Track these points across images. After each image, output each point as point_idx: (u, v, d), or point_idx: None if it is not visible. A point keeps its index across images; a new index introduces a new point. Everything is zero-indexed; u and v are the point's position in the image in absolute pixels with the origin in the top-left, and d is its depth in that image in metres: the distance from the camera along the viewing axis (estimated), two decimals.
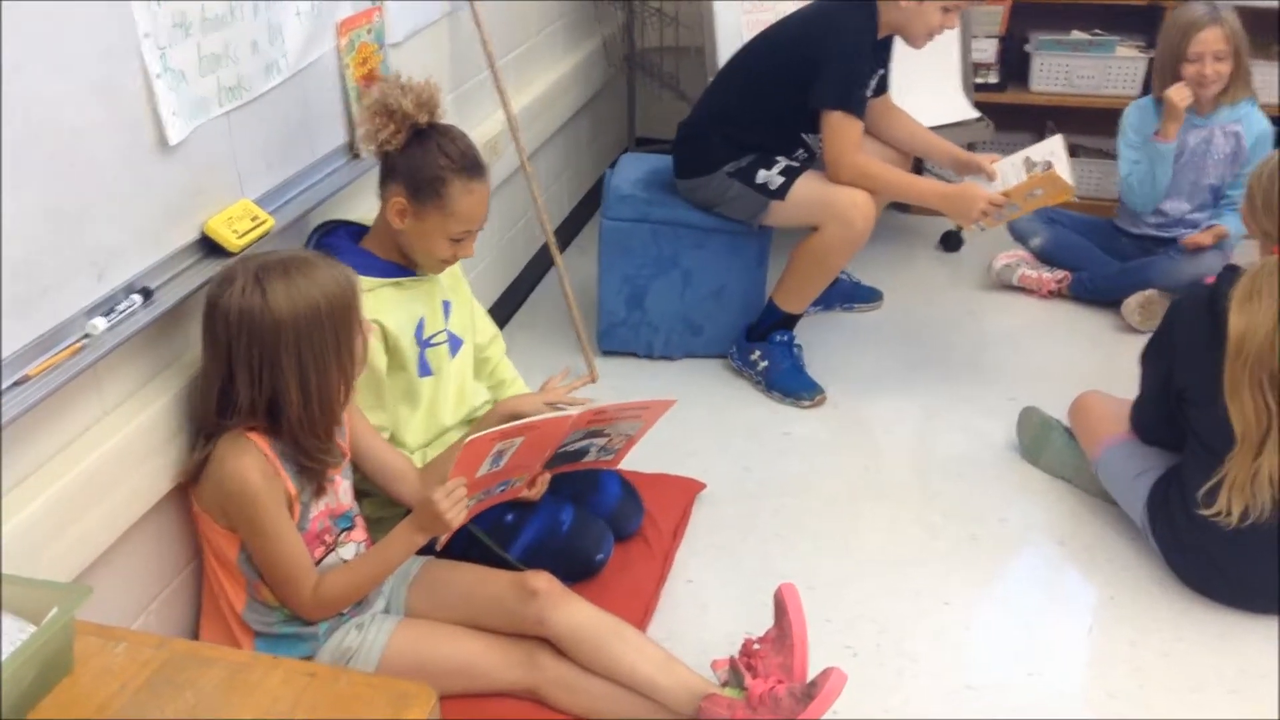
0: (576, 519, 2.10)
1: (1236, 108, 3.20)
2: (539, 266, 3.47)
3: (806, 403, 2.88)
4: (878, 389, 2.98)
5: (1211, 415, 2.03)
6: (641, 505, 2.28)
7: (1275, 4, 3.58)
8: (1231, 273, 2.04)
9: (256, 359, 1.62)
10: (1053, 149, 2.86)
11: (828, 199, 2.77)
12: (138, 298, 1.64)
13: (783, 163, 2.84)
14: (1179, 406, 2.13)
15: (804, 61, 2.72)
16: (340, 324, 1.66)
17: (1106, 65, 3.77)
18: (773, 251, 3.03)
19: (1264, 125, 3.20)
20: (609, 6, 3.80)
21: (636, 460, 2.33)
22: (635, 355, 3.10)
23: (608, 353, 3.10)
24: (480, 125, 2.86)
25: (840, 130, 2.73)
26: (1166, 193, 3.25)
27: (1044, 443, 2.60)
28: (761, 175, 2.83)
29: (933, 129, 3.50)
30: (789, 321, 2.96)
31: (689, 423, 2.80)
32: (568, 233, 3.77)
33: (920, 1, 2.69)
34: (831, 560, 2.33)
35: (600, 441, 2.03)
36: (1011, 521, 2.46)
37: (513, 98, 3.06)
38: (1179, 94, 3.09)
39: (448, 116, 2.01)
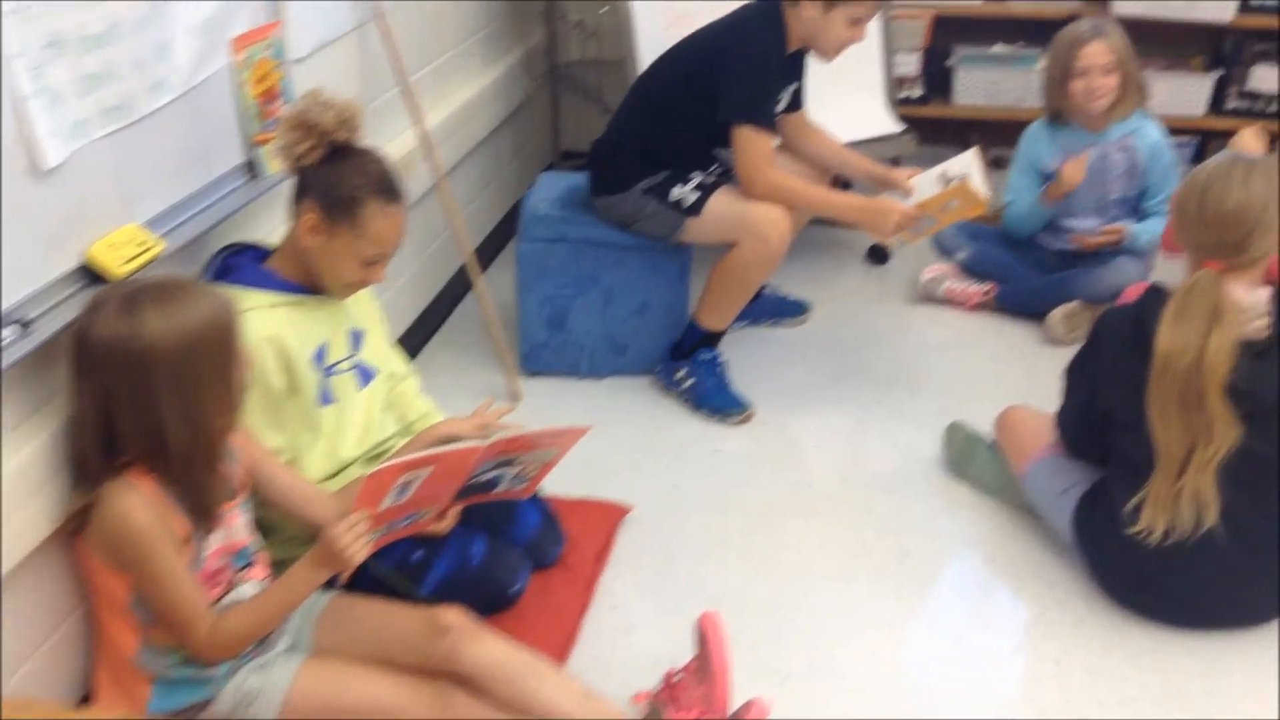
0: (490, 550, 2.03)
1: (1128, 121, 3.21)
2: (462, 284, 3.40)
3: (734, 419, 2.84)
4: (806, 404, 2.95)
5: (1137, 434, 2.02)
6: (561, 532, 2.22)
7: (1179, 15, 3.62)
8: (1158, 292, 2.03)
9: (131, 392, 1.53)
10: (968, 163, 2.86)
11: (743, 215, 2.73)
12: (14, 329, 1.55)
13: (697, 179, 2.80)
14: (1104, 424, 2.11)
15: (712, 76, 2.68)
16: (220, 352, 1.58)
17: (1028, 79, 3.79)
18: (696, 266, 2.99)
19: (1156, 136, 3.22)
20: (531, 19, 3.75)
21: (559, 484, 2.28)
22: (561, 375, 3.03)
23: (533, 373, 3.03)
24: (394, 140, 2.78)
25: (750, 145, 2.69)
26: (1071, 212, 3.29)
27: (970, 458, 2.58)
28: (676, 192, 2.78)
29: (856, 143, 3.50)
30: (712, 339, 2.92)
31: (615, 443, 2.74)
32: (492, 248, 3.70)
33: (826, 14, 2.66)
34: (762, 580, 2.28)
35: (512, 471, 1.96)
36: (940, 538, 2.43)
37: (429, 111, 2.99)
38: (1074, 172, 3.14)
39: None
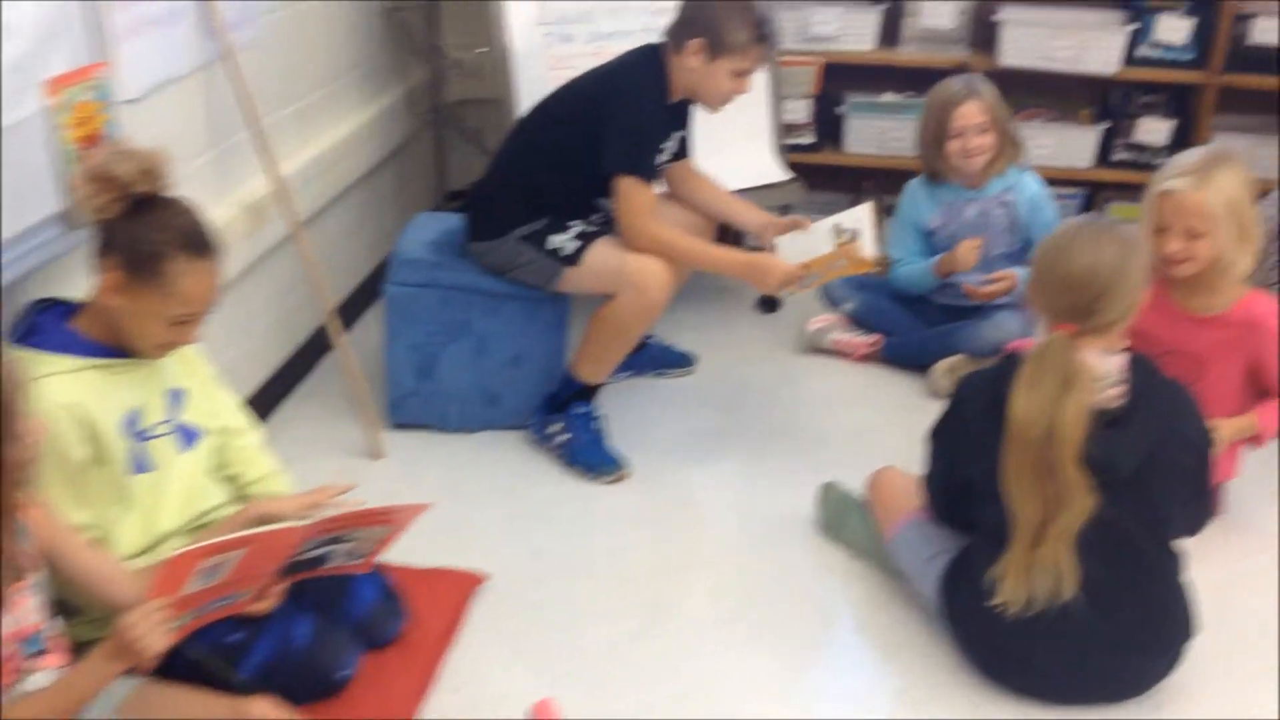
0: (317, 630, 1.89)
1: (1005, 176, 3.20)
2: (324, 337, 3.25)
3: (608, 478, 2.73)
4: (685, 460, 2.86)
5: (996, 503, 1.95)
6: (402, 607, 2.09)
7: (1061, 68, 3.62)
8: (1014, 356, 1.98)
9: None
10: (861, 217, 2.81)
11: (622, 267, 2.64)
12: None
13: (577, 228, 2.71)
14: (966, 491, 2.05)
15: (593, 123, 2.61)
16: None
17: (916, 128, 3.75)
18: (575, 315, 2.89)
19: (1035, 189, 3.21)
20: (414, 57, 3.64)
21: (407, 552, 2.15)
22: (429, 428, 2.90)
23: (400, 425, 2.90)
24: (249, 182, 2.65)
25: (631, 196, 2.61)
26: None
27: (843, 520, 2.50)
28: (554, 240, 2.69)
29: (744, 191, 3.45)
30: (589, 392, 2.82)
31: (478, 503, 2.62)
32: (371, 290, 3.56)
33: (709, 65, 2.60)
34: (624, 651, 2.18)
35: (345, 547, 1.84)
36: (812, 605, 2.34)
37: (295, 152, 2.87)
38: (968, 256, 3.12)
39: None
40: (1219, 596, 2.28)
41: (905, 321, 3.38)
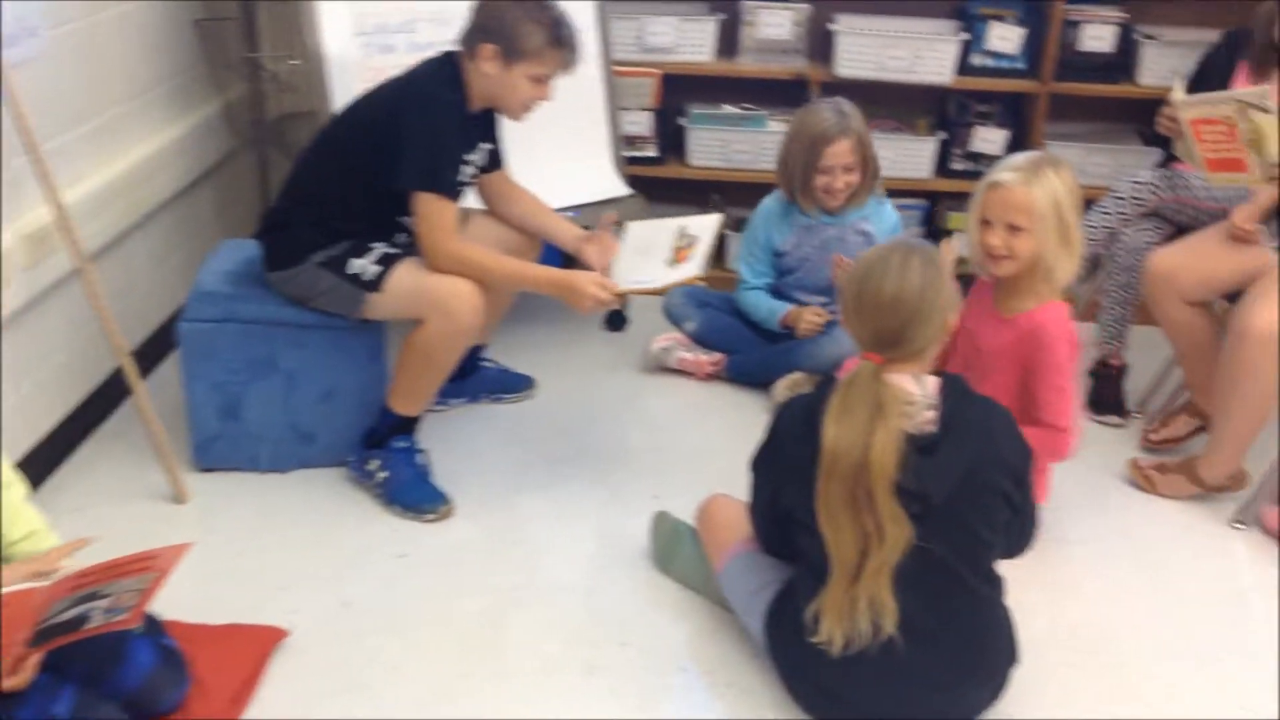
0: (80, 704, 1.70)
1: (864, 207, 3.16)
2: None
3: (430, 516, 2.58)
4: (518, 491, 2.72)
5: (816, 535, 1.86)
6: (185, 672, 1.91)
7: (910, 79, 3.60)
8: (831, 382, 1.90)
9: None
10: (706, 226, 2.72)
11: (428, 289, 2.49)
12: None
13: (379, 250, 2.56)
14: (787, 524, 1.96)
15: (388, 138, 2.46)
16: None
17: (760, 140, 3.71)
18: (395, 341, 2.73)
19: (894, 219, 3.20)
20: (232, 70, 3.43)
21: (202, 605, 2.00)
22: (240, 470, 2.71)
23: (207, 469, 2.70)
24: (38, 209, 2.44)
25: (430, 213, 2.47)
26: (803, 288, 3.22)
27: (674, 551, 2.40)
28: (354, 265, 2.53)
29: (584, 206, 3.35)
30: (408, 424, 2.66)
31: (286, 549, 2.45)
32: None
33: (506, 71, 2.48)
34: (440, 709, 2.03)
35: (103, 603, 1.65)
36: (640, 646, 2.22)
37: (93, 173, 2.67)
38: (811, 327, 3.11)
39: None
40: (1038, 619, 2.25)
41: (748, 339, 3.31)
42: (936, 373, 1.95)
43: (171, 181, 3.18)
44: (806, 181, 3.08)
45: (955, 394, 1.90)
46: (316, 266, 2.53)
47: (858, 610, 1.82)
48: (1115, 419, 3.13)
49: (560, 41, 2.49)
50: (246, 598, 2.23)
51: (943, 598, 1.87)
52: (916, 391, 1.87)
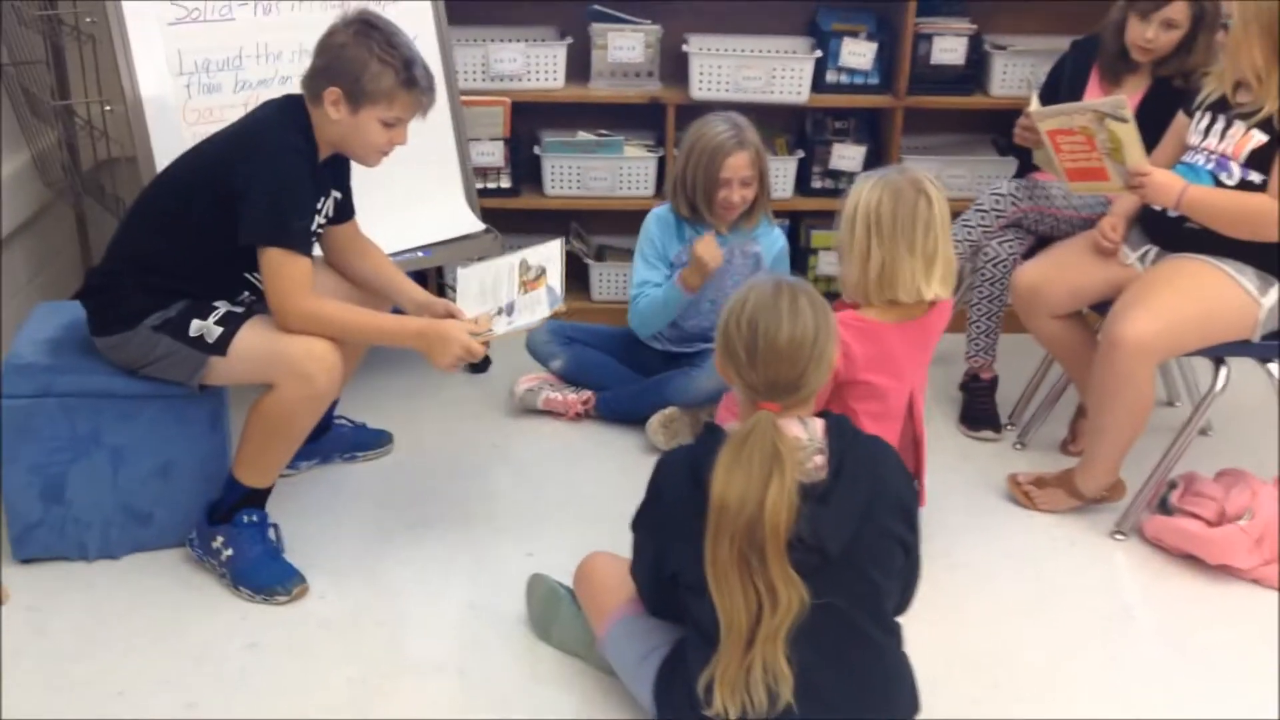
0: None
1: (754, 227, 3.04)
2: None
3: (282, 597, 2.37)
4: (381, 561, 2.53)
5: (705, 597, 1.73)
6: None
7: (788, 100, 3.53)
8: (715, 433, 1.77)
9: None
10: (548, 254, 2.57)
11: (279, 351, 2.30)
12: None
13: (222, 309, 2.35)
14: (674, 589, 1.82)
15: (230, 188, 2.26)
16: None
17: (618, 165, 3.58)
18: (239, 406, 2.51)
19: (781, 242, 3.10)
20: (40, 118, 3.15)
21: None
22: (66, 559, 2.45)
23: (28, 560, 2.44)
24: None
25: (278, 269, 2.28)
26: (684, 313, 3.06)
27: (553, 616, 2.25)
28: (196, 326, 2.32)
29: (436, 245, 3.18)
30: (257, 496, 2.44)
31: (123, 649, 2.21)
32: None
33: (354, 115, 2.31)
34: None
35: None
36: None
37: None
38: (709, 252, 2.89)
39: None
40: (933, 655, 2.16)
41: (617, 374, 3.18)
42: (820, 413, 1.84)
43: None
44: (710, 196, 2.93)
45: (843, 435, 1.79)
46: (150, 330, 2.31)
47: (752, 679, 1.69)
48: (989, 433, 3.10)
49: (412, 82, 2.32)
50: (82, 707, 2.00)
51: (842, 652, 1.76)
52: (804, 436, 1.76)
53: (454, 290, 2.69)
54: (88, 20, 2.92)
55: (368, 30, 2.30)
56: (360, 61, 2.27)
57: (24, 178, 3.15)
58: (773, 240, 3.10)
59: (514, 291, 2.55)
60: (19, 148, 3.17)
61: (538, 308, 2.53)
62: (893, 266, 2.23)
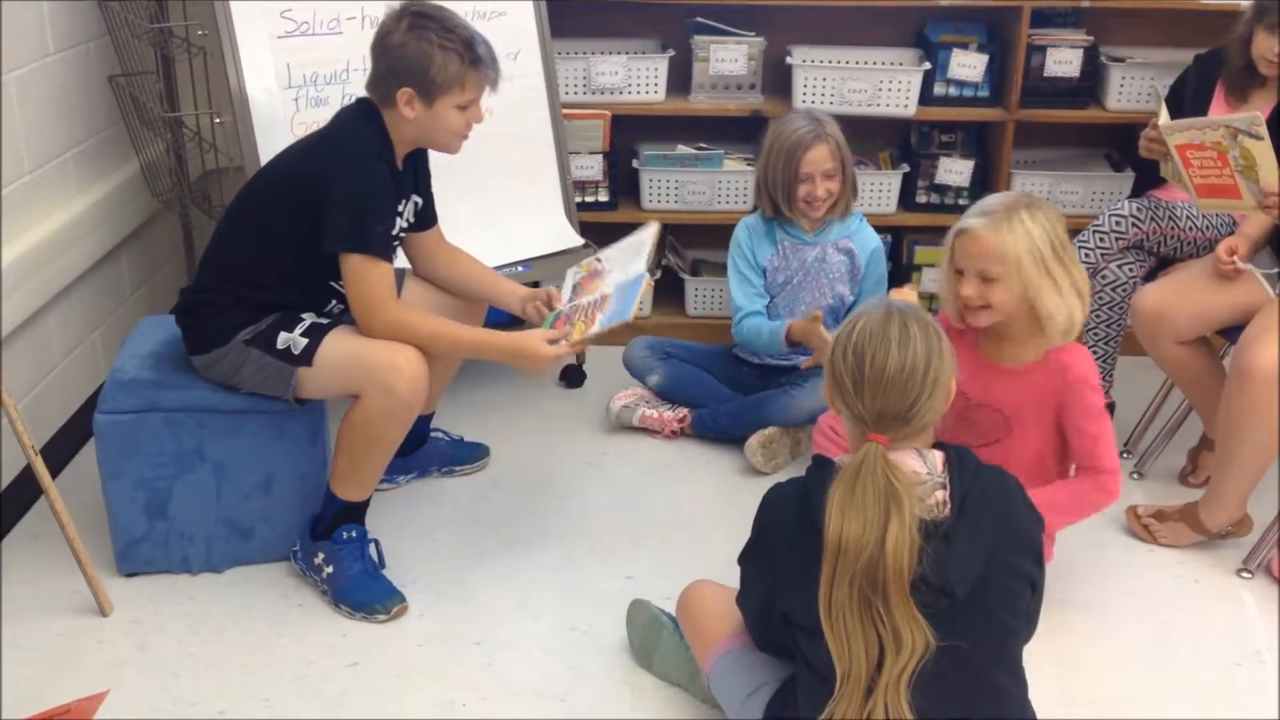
0: None
1: (847, 223, 3.00)
2: (52, 464, 2.77)
3: (382, 616, 2.35)
4: (477, 579, 2.50)
5: (820, 639, 1.66)
6: None
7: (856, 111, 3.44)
8: (824, 466, 1.70)
9: None
10: (644, 239, 2.51)
11: (363, 361, 2.28)
12: None
13: (308, 321, 2.34)
14: (785, 628, 1.75)
15: (311, 198, 2.25)
16: None
17: (716, 180, 3.53)
18: (339, 421, 2.50)
19: (875, 241, 3.04)
20: (150, 129, 3.19)
21: None
22: (169, 572, 2.46)
23: (132, 574, 2.45)
24: None
25: (361, 277, 2.26)
26: (784, 316, 3.00)
27: (654, 644, 2.19)
28: (283, 339, 2.31)
29: (536, 259, 3.16)
30: (354, 512, 2.42)
31: (224, 666, 2.21)
32: None
33: (430, 109, 2.29)
34: None
35: None
36: None
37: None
38: (824, 343, 2.78)
39: None
40: (1050, 703, 2.07)
41: (714, 392, 3.12)
42: (937, 444, 1.77)
43: (88, 253, 2.93)
44: (790, 193, 2.91)
45: (965, 468, 1.71)
46: (242, 344, 2.31)
47: None
48: None
49: (478, 61, 2.29)
50: None
51: (968, 700, 1.68)
52: (923, 470, 1.68)
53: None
54: (199, 33, 2.94)
55: (421, 21, 2.27)
56: (424, 55, 2.24)
57: (132, 189, 3.20)
58: (866, 237, 3.03)
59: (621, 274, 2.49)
60: (128, 159, 3.22)
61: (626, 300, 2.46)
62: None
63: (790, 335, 2.92)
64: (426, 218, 2.55)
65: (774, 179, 2.94)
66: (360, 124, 2.31)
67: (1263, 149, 2.38)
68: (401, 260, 2.56)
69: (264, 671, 2.20)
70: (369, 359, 2.26)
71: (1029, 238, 2.12)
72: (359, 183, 2.25)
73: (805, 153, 2.87)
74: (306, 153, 2.33)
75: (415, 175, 2.47)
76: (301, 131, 2.85)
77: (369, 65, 2.33)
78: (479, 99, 2.34)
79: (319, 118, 2.87)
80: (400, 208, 2.41)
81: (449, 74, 2.26)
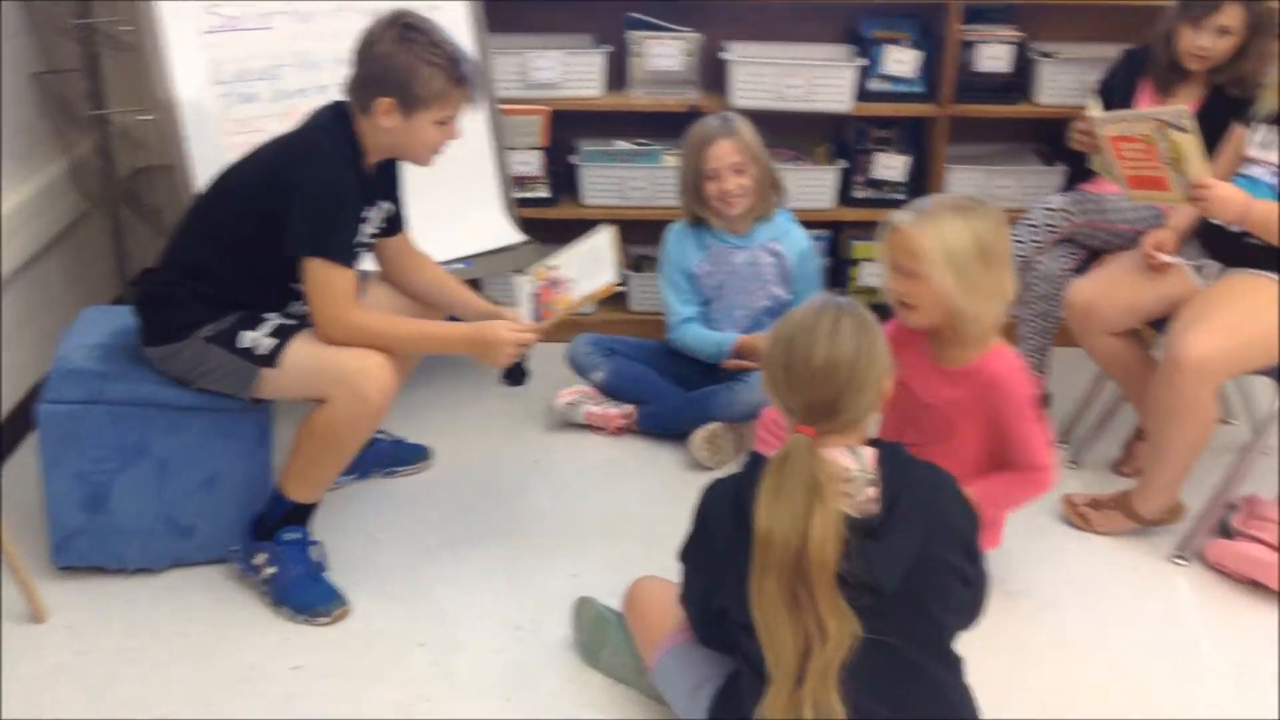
0: None
1: (773, 223, 3.03)
2: None
3: (324, 619, 2.32)
4: (422, 579, 2.48)
5: (754, 634, 1.67)
6: None
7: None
8: (758, 461, 1.71)
9: None
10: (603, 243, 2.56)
11: (332, 365, 2.26)
12: None
13: (274, 321, 2.32)
14: (725, 623, 1.76)
15: (275, 199, 2.23)
16: None
17: (655, 175, 3.53)
18: (285, 420, 2.48)
19: (805, 242, 3.07)
20: (76, 126, 3.12)
21: None
22: (105, 571, 2.41)
23: (67, 568, 2.40)
24: None
25: (322, 281, 2.24)
26: (720, 320, 3.04)
27: (601, 642, 2.19)
28: (246, 338, 2.28)
29: (475, 256, 3.14)
30: (301, 513, 2.40)
31: (166, 670, 2.18)
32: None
33: (408, 121, 2.27)
34: None
35: None
36: None
37: None
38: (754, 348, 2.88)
39: None
40: (995, 691, 2.09)
41: (659, 388, 3.13)
42: (872, 441, 1.78)
43: (17, 251, 2.86)
44: (699, 191, 2.96)
45: (896, 465, 1.73)
46: (203, 341, 2.29)
47: (804, 718, 1.62)
48: None
49: (463, 79, 2.29)
50: None
51: (900, 691, 1.69)
52: (854, 466, 1.70)
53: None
54: (123, 29, 2.88)
55: (409, 34, 2.26)
56: (408, 68, 2.23)
57: (60, 188, 3.12)
58: (795, 238, 3.06)
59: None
60: (55, 157, 3.14)
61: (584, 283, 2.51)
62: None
63: (740, 348, 2.96)
64: (397, 223, 2.54)
65: (686, 179, 3.00)
66: (331, 127, 2.30)
67: (1190, 142, 2.43)
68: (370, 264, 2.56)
69: (206, 675, 2.17)
70: (339, 363, 2.24)
71: (946, 237, 2.10)
72: (324, 187, 2.23)
73: (708, 148, 2.91)
74: (274, 153, 2.30)
75: (386, 182, 2.46)
76: (232, 129, 2.82)
77: (350, 67, 2.30)
78: (457, 117, 2.33)
79: (249, 114, 2.84)
80: (369, 214, 2.40)
81: (432, 89, 2.25)
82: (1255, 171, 2.56)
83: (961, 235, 2.11)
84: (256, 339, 2.29)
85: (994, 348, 2.24)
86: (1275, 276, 2.50)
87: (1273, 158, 2.52)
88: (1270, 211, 2.45)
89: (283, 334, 2.30)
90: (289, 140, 2.33)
